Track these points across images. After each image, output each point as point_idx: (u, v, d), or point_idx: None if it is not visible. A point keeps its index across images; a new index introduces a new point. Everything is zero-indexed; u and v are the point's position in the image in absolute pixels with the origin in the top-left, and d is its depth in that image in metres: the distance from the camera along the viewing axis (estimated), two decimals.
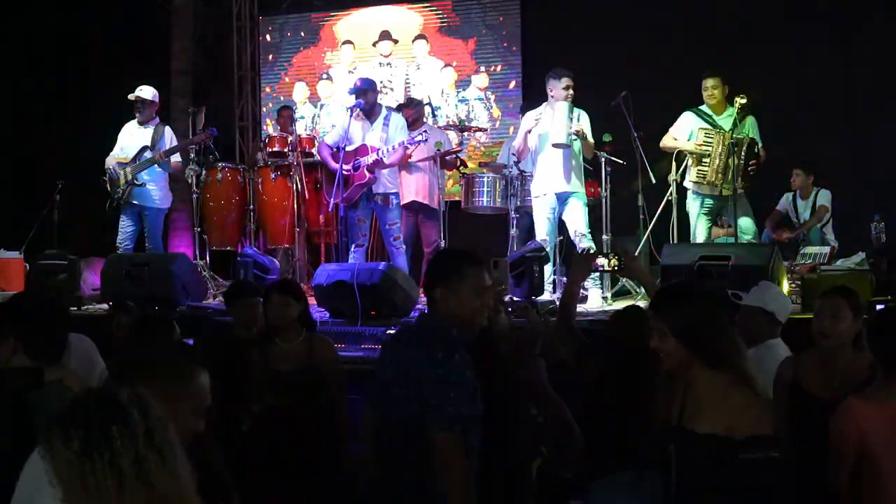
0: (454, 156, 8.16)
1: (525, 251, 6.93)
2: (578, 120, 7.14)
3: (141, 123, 8.15)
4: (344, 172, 7.41)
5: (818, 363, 3.55)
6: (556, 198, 7.24)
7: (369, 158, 7.43)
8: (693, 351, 2.71)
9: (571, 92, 7.18)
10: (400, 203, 7.80)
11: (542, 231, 7.28)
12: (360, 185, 7.50)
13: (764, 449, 2.56)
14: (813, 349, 3.58)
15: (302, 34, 10.91)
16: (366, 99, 7.53)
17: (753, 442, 2.56)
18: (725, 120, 7.15)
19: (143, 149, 8.00)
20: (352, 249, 7.69)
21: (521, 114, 8.64)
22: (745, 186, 7.06)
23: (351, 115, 7.60)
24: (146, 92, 8.13)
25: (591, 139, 7.24)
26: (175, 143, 8.17)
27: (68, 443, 1.70)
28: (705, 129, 7.14)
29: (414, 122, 8.23)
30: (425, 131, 7.64)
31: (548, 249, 7.11)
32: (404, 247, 7.77)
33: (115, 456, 1.69)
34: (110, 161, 8.10)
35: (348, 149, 7.53)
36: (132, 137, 8.13)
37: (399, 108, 8.33)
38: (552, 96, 7.24)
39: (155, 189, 8.05)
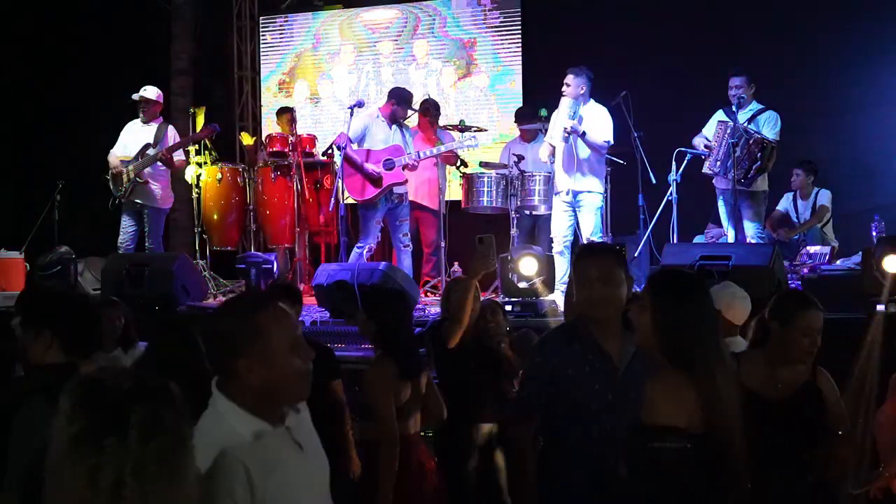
0: (454, 152, 8.16)
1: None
2: (574, 116, 7.16)
3: (144, 122, 8.16)
4: (373, 172, 7.56)
5: (764, 362, 3.45)
6: (567, 196, 7.33)
7: (407, 159, 7.60)
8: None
9: (566, 88, 7.25)
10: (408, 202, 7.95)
11: (555, 229, 7.37)
12: (390, 185, 7.62)
13: (676, 440, 2.53)
14: (760, 350, 3.48)
15: (302, 34, 10.91)
16: (401, 107, 7.81)
17: (665, 432, 2.54)
18: (745, 115, 7.20)
19: (146, 146, 8.00)
20: (364, 251, 7.72)
21: (516, 118, 8.65)
22: (741, 182, 7.06)
23: (375, 117, 7.82)
24: (150, 92, 8.17)
25: (593, 136, 7.22)
26: (178, 140, 8.17)
27: (120, 424, 1.57)
28: (723, 121, 7.19)
29: (432, 126, 8.28)
30: (473, 137, 7.92)
31: (563, 247, 7.22)
32: (411, 246, 7.88)
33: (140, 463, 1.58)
34: (113, 159, 8.11)
35: (377, 149, 7.67)
36: (135, 135, 8.14)
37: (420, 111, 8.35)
38: None
39: (157, 188, 8.06)
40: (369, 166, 7.59)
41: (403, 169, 7.62)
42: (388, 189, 7.63)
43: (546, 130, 7.61)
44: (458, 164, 8.24)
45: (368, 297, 4.48)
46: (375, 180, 7.58)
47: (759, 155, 7.01)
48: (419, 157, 7.70)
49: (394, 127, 7.79)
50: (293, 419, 2.20)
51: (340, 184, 7.84)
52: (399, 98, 7.85)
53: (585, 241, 7.21)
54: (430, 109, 8.40)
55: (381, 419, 3.88)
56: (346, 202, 7.87)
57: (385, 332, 4.05)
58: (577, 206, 7.32)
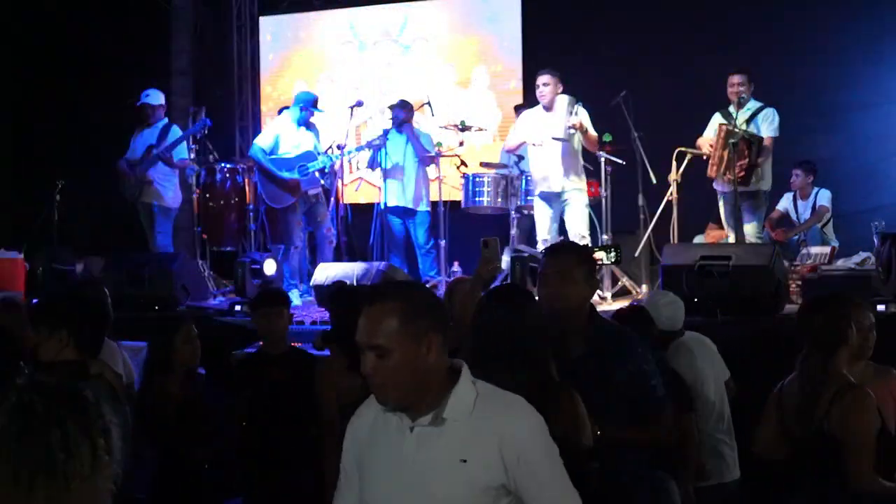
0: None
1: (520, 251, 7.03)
2: (577, 114, 7.14)
3: (149, 126, 8.23)
4: (290, 180, 7.84)
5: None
6: (556, 196, 7.26)
7: (320, 163, 7.90)
8: None
9: (544, 88, 7.24)
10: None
11: (543, 231, 7.32)
12: (307, 191, 7.91)
13: None
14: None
15: (302, 34, 10.90)
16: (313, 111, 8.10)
17: None
18: (744, 114, 7.18)
19: (150, 147, 8.08)
20: (291, 251, 7.97)
21: (517, 114, 8.69)
22: (738, 181, 7.03)
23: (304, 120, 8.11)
24: (153, 98, 8.23)
25: (592, 132, 7.23)
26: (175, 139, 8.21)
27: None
28: (723, 124, 7.17)
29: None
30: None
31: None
32: (335, 241, 8.13)
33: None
34: (121, 163, 8.21)
35: (290, 155, 7.91)
36: (141, 139, 8.25)
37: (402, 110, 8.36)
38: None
39: (165, 187, 8.15)
40: (286, 174, 7.85)
41: (320, 173, 7.91)
42: (304, 193, 7.92)
43: None
44: (459, 163, 8.25)
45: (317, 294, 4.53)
46: (293, 188, 7.87)
47: (746, 152, 7.01)
48: (332, 159, 7.99)
49: (301, 129, 8.01)
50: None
51: (340, 184, 7.89)
52: (303, 102, 8.10)
53: (576, 238, 7.21)
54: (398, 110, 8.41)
55: (322, 412, 3.87)
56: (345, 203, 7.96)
57: (332, 325, 4.08)
58: (565, 205, 7.28)
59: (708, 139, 7.30)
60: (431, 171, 8.34)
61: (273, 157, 7.95)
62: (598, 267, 3.33)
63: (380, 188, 8.68)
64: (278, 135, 8.06)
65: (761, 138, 7.10)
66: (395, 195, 8.21)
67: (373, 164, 8.32)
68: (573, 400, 2.76)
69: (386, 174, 8.17)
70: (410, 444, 2.15)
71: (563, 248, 3.50)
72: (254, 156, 8.11)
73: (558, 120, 7.18)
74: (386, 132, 8.22)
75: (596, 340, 3.15)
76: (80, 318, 3.00)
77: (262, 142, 8.10)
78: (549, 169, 7.27)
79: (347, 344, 4.00)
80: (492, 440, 2.10)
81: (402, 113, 8.29)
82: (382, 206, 8.30)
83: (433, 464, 2.12)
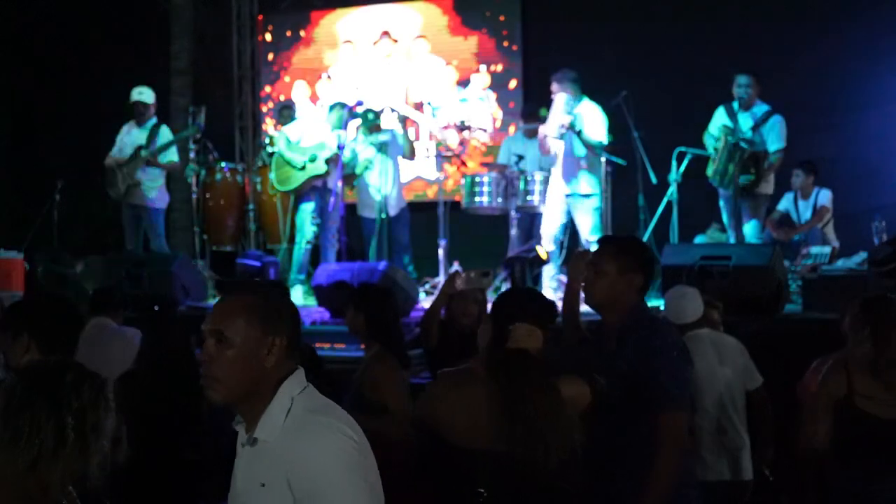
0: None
1: (520, 251, 7.01)
2: (570, 112, 7.12)
3: (139, 124, 8.18)
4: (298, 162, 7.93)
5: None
6: (565, 199, 7.25)
7: (329, 153, 7.89)
8: None
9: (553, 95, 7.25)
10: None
11: (546, 228, 7.32)
12: (312, 177, 7.90)
13: None
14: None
15: (302, 33, 10.91)
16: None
17: None
18: (749, 117, 7.15)
19: (139, 148, 8.03)
20: (305, 247, 7.98)
21: (522, 116, 8.68)
22: (744, 189, 7.03)
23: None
24: (146, 96, 8.18)
25: (588, 137, 7.17)
26: (165, 142, 8.19)
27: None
28: (726, 125, 7.14)
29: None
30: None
31: (549, 250, 7.15)
32: (337, 245, 8.14)
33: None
34: (109, 161, 8.15)
35: (304, 145, 7.98)
36: (129, 137, 8.19)
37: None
38: None
39: (152, 188, 8.09)
40: (296, 157, 7.93)
41: (327, 162, 7.86)
42: (311, 181, 7.89)
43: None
44: (459, 164, 8.25)
45: (355, 290, 4.45)
46: (300, 171, 7.93)
47: (752, 169, 6.99)
48: (341, 147, 7.93)
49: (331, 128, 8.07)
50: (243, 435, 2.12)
51: (340, 184, 7.87)
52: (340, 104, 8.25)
53: (585, 242, 7.21)
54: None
55: (398, 415, 3.67)
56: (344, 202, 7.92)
57: (375, 324, 4.02)
58: (574, 208, 7.26)
59: (711, 143, 7.24)
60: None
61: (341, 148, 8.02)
62: (649, 262, 3.24)
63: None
64: (304, 127, 8.14)
65: (767, 153, 7.06)
66: (396, 197, 8.20)
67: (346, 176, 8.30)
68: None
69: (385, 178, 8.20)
70: (241, 460, 2.09)
71: (603, 240, 3.43)
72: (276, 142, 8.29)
73: (555, 119, 7.18)
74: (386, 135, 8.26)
75: (621, 335, 3.06)
76: (40, 320, 2.96)
77: (287, 132, 8.22)
78: (558, 171, 7.31)
79: (392, 342, 4.00)
80: (283, 466, 1.97)
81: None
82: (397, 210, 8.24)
83: (247, 486, 2.06)
